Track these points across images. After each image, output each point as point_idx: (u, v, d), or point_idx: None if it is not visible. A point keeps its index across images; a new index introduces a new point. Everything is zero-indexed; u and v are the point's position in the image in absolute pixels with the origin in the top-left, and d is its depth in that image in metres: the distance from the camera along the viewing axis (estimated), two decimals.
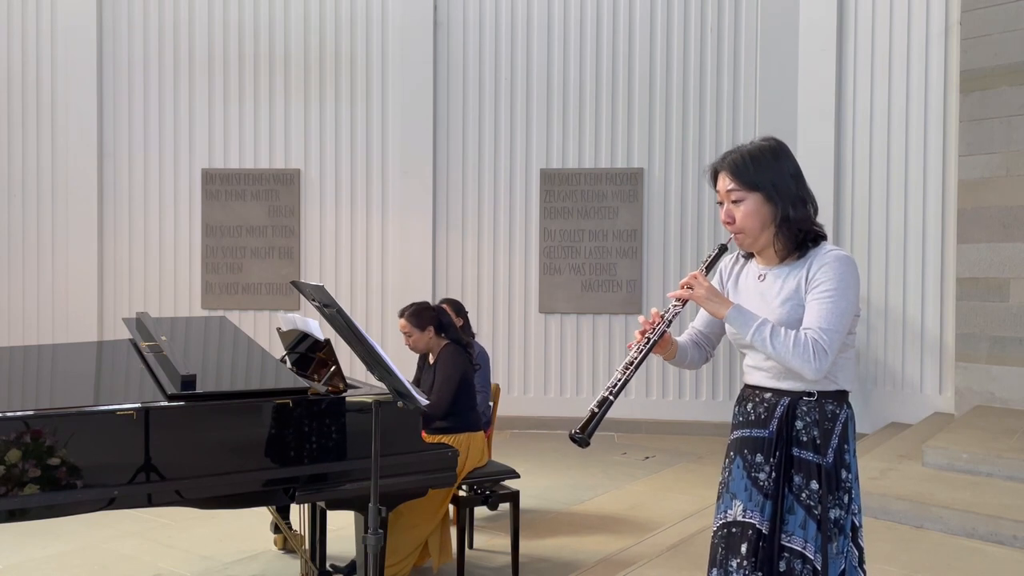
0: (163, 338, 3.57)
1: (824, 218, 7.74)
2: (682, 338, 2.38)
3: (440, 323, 4.14)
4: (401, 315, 4.18)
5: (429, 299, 7.12)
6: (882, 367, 7.27)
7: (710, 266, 2.26)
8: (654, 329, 2.16)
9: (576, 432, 2.04)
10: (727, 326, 2.22)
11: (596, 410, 2.07)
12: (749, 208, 2.14)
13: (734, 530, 2.16)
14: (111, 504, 2.80)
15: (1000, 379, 6.36)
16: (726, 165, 2.18)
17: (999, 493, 4.47)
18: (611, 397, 2.09)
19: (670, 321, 2.17)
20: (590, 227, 7.85)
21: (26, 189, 8.32)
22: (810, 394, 2.14)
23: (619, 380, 2.11)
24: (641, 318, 2.22)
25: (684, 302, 2.18)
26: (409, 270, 7.78)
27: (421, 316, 4.11)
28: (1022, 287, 6.32)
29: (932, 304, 7.02)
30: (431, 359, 4.18)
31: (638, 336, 2.18)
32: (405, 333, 4.13)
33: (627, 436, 7.45)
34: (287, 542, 4.35)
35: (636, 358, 2.14)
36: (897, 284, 7.17)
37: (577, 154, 7.90)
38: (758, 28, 7.63)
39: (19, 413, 2.75)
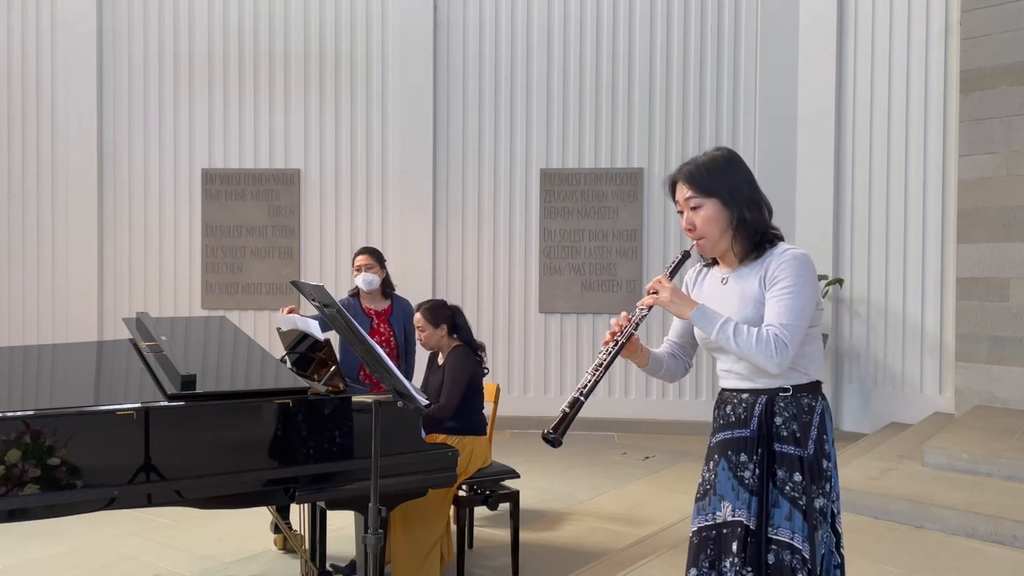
0: (163, 338, 3.57)
1: (824, 218, 7.74)
2: (659, 350, 2.47)
3: (454, 323, 4.17)
4: (417, 309, 4.23)
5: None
6: (882, 367, 7.27)
7: (674, 271, 2.33)
8: (622, 331, 2.24)
9: (549, 432, 2.10)
10: (695, 328, 2.30)
11: (567, 411, 2.14)
12: (708, 213, 2.24)
13: (725, 531, 2.22)
14: (111, 504, 2.80)
15: (1000, 379, 6.36)
16: (682, 175, 2.27)
17: (999, 493, 4.47)
18: (582, 398, 2.16)
19: (637, 324, 2.25)
20: (590, 227, 7.85)
21: (26, 189, 8.32)
22: (785, 389, 2.22)
23: (589, 381, 2.18)
24: (613, 320, 2.29)
25: (651, 307, 2.26)
26: (409, 270, 7.77)
27: (436, 313, 4.14)
28: (1022, 287, 6.32)
29: (932, 304, 7.02)
30: (440, 359, 4.20)
31: (608, 338, 2.25)
32: (418, 328, 4.17)
33: (627, 436, 7.46)
34: (287, 542, 4.35)
35: (604, 360, 2.21)
36: (897, 284, 7.17)
37: (577, 154, 7.90)
38: (758, 28, 7.63)
39: (19, 413, 2.75)
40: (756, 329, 2.16)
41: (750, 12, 7.66)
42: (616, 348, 2.23)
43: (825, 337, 7.18)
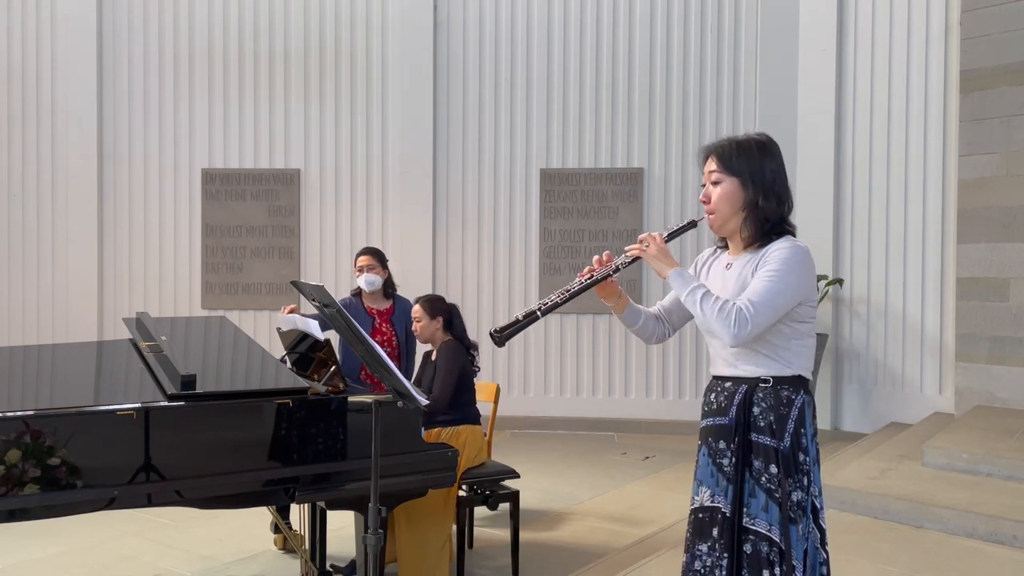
0: (163, 338, 3.57)
1: (824, 218, 7.73)
2: (645, 307, 2.53)
3: (450, 319, 4.24)
4: (416, 300, 4.31)
5: None
6: (882, 367, 7.27)
7: (674, 234, 2.40)
8: (600, 269, 2.33)
9: (495, 331, 2.25)
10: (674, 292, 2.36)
11: (520, 318, 2.26)
12: (725, 190, 2.28)
13: (702, 515, 2.29)
14: (111, 504, 2.80)
15: (1000, 379, 6.36)
16: (714, 148, 2.33)
17: (999, 493, 4.47)
18: (539, 313, 2.27)
19: (617, 268, 2.33)
20: (590, 227, 7.85)
21: (26, 189, 8.32)
22: (765, 380, 2.24)
23: (552, 301, 2.29)
24: (595, 257, 2.37)
25: (635, 258, 2.33)
26: (409, 270, 7.76)
27: (435, 305, 4.24)
28: (1022, 287, 6.32)
29: (932, 304, 7.02)
30: (433, 356, 4.23)
31: (585, 272, 2.34)
32: (415, 318, 4.25)
33: (627, 436, 7.46)
34: (287, 542, 4.35)
35: (574, 289, 2.31)
36: (897, 284, 7.17)
37: (577, 154, 7.90)
38: (758, 28, 7.63)
39: (19, 413, 2.75)
40: (723, 299, 2.18)
41: (750, 12, 7.66)
42: (588, 282, 2.31)
43: (825, 337, 7.17)
